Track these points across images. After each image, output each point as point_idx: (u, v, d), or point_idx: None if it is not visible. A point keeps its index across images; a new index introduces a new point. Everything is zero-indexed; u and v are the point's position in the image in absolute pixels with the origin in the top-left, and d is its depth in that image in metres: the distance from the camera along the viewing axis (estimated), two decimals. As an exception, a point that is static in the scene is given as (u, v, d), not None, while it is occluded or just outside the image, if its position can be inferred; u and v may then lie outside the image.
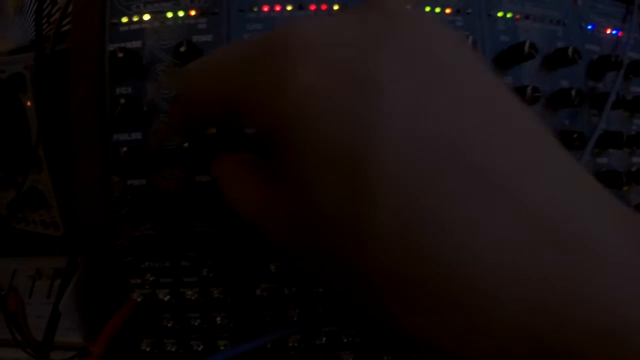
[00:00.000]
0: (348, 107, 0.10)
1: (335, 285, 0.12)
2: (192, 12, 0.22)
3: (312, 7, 0.22)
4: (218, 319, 0.23)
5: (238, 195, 0.15)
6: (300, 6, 0.22)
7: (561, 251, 0.09)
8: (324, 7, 0.22)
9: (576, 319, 0.08)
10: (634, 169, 0.27)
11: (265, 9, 0.22)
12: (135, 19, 0.22)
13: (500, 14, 0.24)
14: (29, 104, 0.30)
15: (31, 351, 0.30)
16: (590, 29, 0.27)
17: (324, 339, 0.23)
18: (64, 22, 0.41)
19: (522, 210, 0.09)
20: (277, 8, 0.22)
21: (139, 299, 0.22)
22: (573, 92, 0.24)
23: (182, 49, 0.20)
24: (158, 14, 0.22)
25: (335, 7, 0.22)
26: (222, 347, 0.23)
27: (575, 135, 0.25)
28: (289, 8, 0.22)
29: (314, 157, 0.10)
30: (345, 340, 0.23)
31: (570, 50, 0.24)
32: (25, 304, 0.32)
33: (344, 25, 0.11)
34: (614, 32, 0.28)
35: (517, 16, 0.25)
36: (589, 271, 0.09)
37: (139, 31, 0.22)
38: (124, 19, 0.22)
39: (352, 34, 0.10)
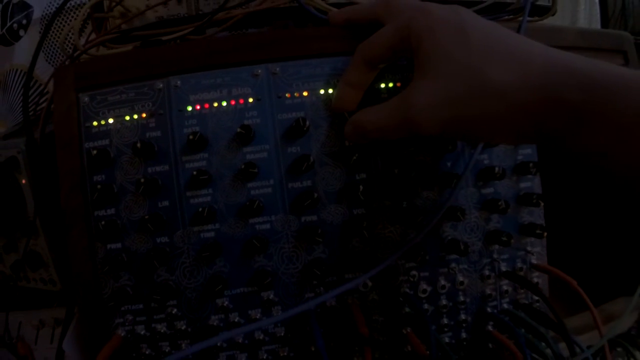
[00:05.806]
0: (454, 33, 0.26)
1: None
2: (144, 115, 0.33)
3: (232, 102, 0.32)
4: (183, 345, 0.33)
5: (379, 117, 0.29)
6: (224, 104, 0.32)
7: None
8: (241, 101, 0.32)
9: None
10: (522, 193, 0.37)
11: (198, 107, 0.32)
12: (102, 122, 0.33)
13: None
14: (24, 181, 0.41)
15: (41, 388, 0.40)
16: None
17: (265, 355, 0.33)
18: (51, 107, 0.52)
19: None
20: (206, 106, 0.32)
21: (122, 334, 0.33)
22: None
23: (138, 145, 0.31)
24: (119, 118, 0.33)
25: (250, 100, 0.32)
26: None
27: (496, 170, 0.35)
28: (215, 104, 0.32)
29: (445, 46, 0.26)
30: (282, 354, 0.33)
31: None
32: (33, 350, 0.42)
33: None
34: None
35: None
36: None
37: (106, 131, 0.33)
38: (95, 123, 0.33)
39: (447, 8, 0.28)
